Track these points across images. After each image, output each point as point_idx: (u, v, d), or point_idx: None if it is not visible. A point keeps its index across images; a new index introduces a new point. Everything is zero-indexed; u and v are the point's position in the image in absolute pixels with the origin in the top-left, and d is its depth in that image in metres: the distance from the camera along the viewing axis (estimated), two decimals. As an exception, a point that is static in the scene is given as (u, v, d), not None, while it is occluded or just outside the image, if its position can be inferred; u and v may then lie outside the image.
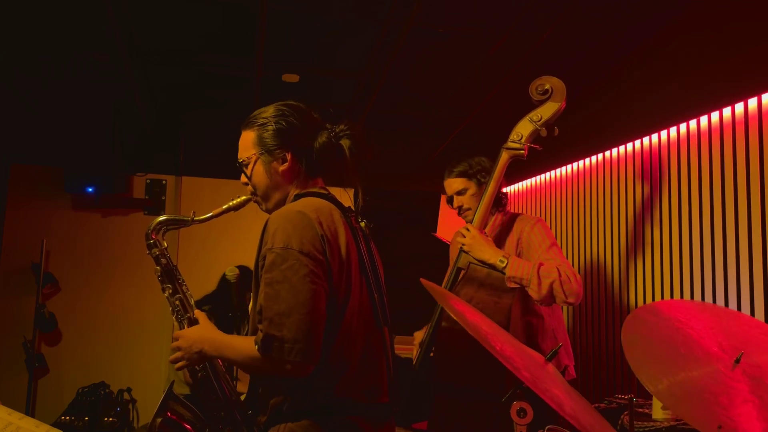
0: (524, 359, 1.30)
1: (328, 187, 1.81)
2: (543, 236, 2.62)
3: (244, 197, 1.86)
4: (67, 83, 3.78)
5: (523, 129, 2.55)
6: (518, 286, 2.49)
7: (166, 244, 1.87)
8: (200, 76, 3.81)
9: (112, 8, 2.84)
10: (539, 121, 2.53)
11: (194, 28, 3.24)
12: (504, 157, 2.59)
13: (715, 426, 1.15)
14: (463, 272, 2.61)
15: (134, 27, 3.17)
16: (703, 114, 2.81)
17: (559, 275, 2.43)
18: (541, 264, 2.49)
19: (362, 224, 1.80)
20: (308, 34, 3.28)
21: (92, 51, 3.38)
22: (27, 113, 4.12)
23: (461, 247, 2.63)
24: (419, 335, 2.88)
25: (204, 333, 1.71)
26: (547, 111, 2.53)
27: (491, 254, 2.54)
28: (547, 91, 2.53)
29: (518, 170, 4.36)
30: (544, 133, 2.54)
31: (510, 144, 2.57)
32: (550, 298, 2.45)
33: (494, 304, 2.46)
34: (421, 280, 1.65)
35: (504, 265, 2.50)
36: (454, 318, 1.39)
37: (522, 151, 2.55)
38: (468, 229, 2.62)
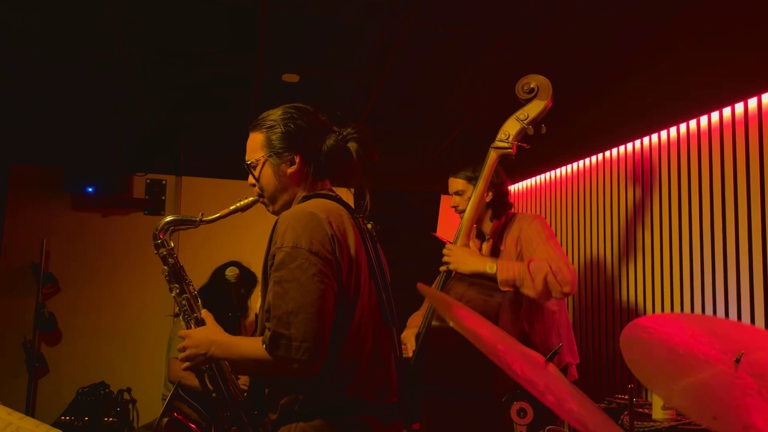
0: (542, 377, 1.26)
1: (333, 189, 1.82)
2: (539, 230, 2.64)
3: (251, 198, 1.85)
4: (67, 83, 3.78)
5: (510, 128, 2.55)
6: (513, 288, 2.49)
7: (173, 244, 1.86)
8: (200, 76, 3.80)
9: (112, 8, 2.84)
10: (526, 119, 2.52)
11: (194, 28, 3.23)
12: (492, 156, 2.59)
13: (740, 428, 1.14)
14: (454, 272, 2.62)
15: (134, 27, 3.17)
16: (703, 114, 2.82)
17: (550, 268, 2.45)
18: (530, 261, 2.50)
19: (369, 226, 1.80)
20: (308, 34, 3.28)
21: (93, 51, 3.37)
22: (27, 113, 4.11)
23: (448, 266, 2.61)
24: (408, 332, 2.87)
25: (211, 334, 1.70)
26: (533, 109, 2.52)
27: (477, 263, 2.55)
28: (533, 89, 2.52)
29: (518, 170, 4.36)
30: (531, 131, 2.54)
31: (498, 143, 2.57)
32: (546, 293, 2.46)
33: (484, 302, 2.46)
34: (419, 285, 1.58)
35: (494, 271, 2.50)
36: (458, 330, 1.26)
37: (510, 150, 2.55)
38: (449, 249, 2.62)
